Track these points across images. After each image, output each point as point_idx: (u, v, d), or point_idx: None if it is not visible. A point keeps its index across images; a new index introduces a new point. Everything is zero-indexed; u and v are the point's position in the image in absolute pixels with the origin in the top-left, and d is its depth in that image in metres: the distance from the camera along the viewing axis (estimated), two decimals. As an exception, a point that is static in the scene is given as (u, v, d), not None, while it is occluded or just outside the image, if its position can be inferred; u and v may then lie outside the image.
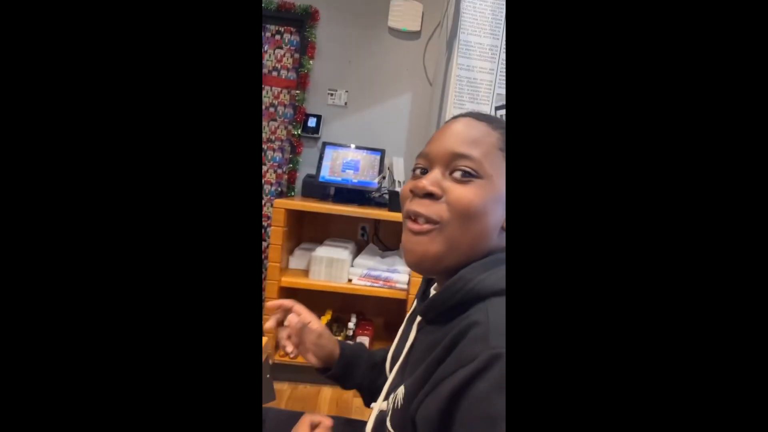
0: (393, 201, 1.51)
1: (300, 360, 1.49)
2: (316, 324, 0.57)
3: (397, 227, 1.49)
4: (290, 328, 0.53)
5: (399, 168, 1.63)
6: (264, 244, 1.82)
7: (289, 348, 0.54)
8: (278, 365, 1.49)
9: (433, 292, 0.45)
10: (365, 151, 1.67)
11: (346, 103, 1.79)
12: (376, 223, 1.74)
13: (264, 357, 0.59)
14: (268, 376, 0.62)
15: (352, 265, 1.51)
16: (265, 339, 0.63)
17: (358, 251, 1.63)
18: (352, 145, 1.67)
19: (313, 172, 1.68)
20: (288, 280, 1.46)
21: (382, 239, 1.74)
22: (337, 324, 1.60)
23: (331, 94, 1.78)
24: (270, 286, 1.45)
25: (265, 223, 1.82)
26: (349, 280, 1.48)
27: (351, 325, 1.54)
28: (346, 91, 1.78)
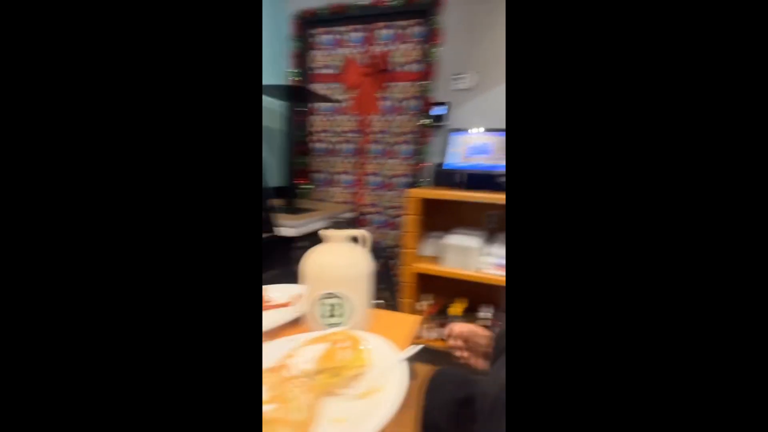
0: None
1: (435, 344, 1.55)
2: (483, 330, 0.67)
3: (535, 214, 1.35)
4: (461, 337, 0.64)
5: (536, 149, 1.48)
6: (397, 232, 1.95)
7: (459, 353, 0.65)
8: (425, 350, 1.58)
9: None
10: (496, 133, 1.58)
11: (473, 86, 1.72)
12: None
13: (413, 340, 0.63)
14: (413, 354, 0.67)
15: (484, 254, 1.47)
16: (413, 329, 0.68)
17: (490, 239, 1.57)
18: (481, 129, 1.60)
19: (441, 160, 1.69)
20: (422, 267, 1.53)
21: (517, 227, 1.62)
22: (470, 312, 1.59)
23: (458, 79, 1.74)
24: (405, 272, 1.55)
25: (398, 213, 1.95)
26: (481, 269, 1.45)
27: (484, 314, 1.51)
28: (474, 73, 1.71)
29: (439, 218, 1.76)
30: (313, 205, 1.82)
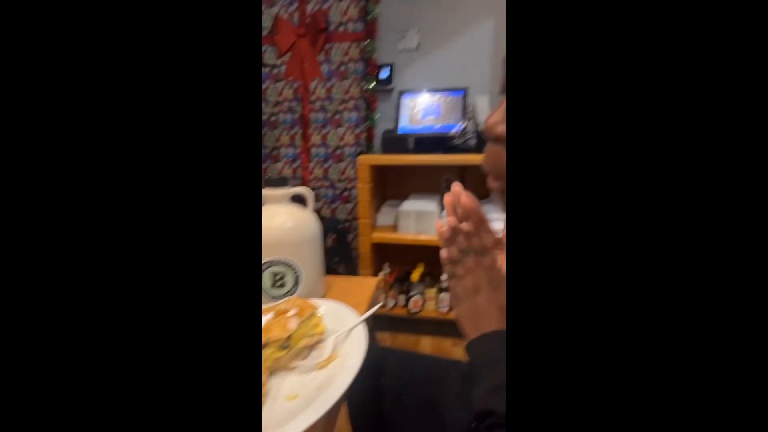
0: (481, 144, 1.38)
1: (396, 312, 1.54)
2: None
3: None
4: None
5: (483, 107, 1.47)
6: (350, 205, 1.88)
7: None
8: (377, 317, 1.56)
9: None
10: (445, 93, 1.54)
11: (418, 45, 1.65)
12: (462, 171, 1.63)
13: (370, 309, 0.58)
14: (371, 326, 0.62)
15: (440, 217, 1.46)
16: (371, 291, 0.62)
17: (444, 203, 1.56)
18: (429, 89, 1.56)
19: (390, 126, 1.62)
20: (378, 236, 1.49)
21: (468, 189, 1.63)
22: (429, 277, 1.59)
23: (402, 38, 1.66)
24: (363, 242, 1.49)
25: (349, 185, 1.86)
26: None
27: (444, 277, 1.51)
28: (418, 31, 1.63)
29: (394, 186, 1.72)
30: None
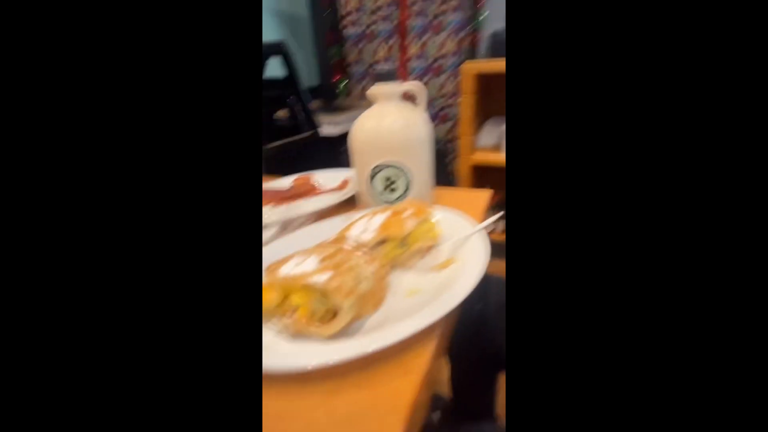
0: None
1: (494, 237, 1.47)
2: None
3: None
4: None
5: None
6: (449, 124, 1.75)
7: None
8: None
9: None
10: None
11: None
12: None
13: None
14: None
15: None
16: (484, 204, 0.57)
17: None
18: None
19: (500, 26, 1.37)
20: (479, 158, 1.37)
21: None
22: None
23: None
24: (462, 163, 1.40)
25: (448, 102, 1.71)
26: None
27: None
28: None
29: (498, 101, 1.51)
30: (354, 102, 1.65)
